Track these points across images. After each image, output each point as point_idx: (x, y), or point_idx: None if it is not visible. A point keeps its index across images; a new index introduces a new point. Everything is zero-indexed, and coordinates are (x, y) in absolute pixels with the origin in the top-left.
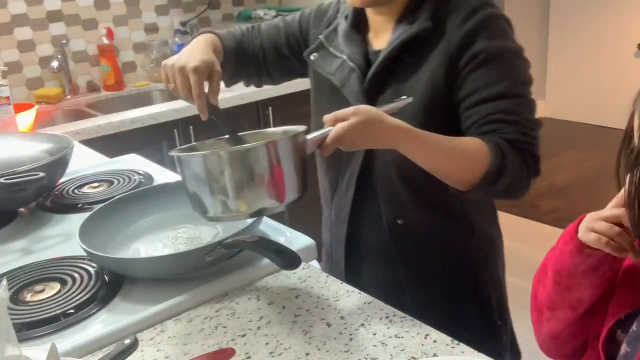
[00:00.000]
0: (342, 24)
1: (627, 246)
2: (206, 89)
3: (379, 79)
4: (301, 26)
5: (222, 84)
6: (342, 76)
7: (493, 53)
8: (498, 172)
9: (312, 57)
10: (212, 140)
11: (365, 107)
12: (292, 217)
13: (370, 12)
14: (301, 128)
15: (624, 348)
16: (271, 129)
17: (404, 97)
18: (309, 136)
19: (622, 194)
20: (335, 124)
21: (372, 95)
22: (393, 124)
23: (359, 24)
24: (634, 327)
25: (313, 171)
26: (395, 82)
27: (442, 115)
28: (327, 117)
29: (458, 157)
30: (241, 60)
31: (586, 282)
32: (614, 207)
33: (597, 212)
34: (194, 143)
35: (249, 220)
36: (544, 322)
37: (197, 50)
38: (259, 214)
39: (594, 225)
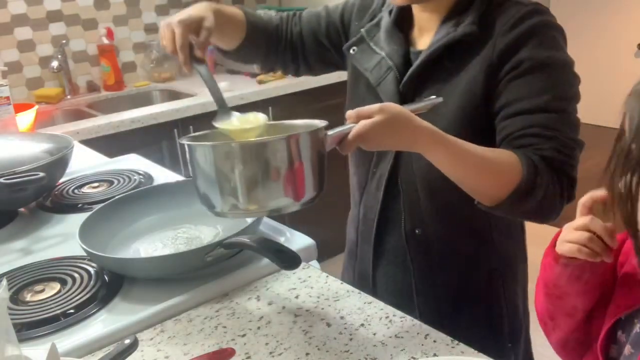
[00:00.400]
0: (385, 19)
1: (599, 250)
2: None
3: (416, 81)
4: (343, 17)
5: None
6: (378, 74)
7: (538, 63)
8: (529, 189)
9: (351, 51)
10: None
11: (392, 105)
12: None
13: (416, 9)
14: (322, 123)
15: (628, 349)
16: (289, 121)
17: (432, 96)
18: (330, 132)
19: (583, 199)
20: (358, 121)
21: (407, 97)
22: (420, 126)
23: (402, 20)
24: (637, 329)
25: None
26: (432, 85)
27: (476, 125)
28: (349, 113)
29: (487, 169)
30: (275, 45)
31: (573, 290)
32: (580, 216)
33: (570, 223)
34: (206, 132)
35: (249, 220)
36: (550, 332)
37: (190, 9)
38: (272, 212)
39: (568, 236)
